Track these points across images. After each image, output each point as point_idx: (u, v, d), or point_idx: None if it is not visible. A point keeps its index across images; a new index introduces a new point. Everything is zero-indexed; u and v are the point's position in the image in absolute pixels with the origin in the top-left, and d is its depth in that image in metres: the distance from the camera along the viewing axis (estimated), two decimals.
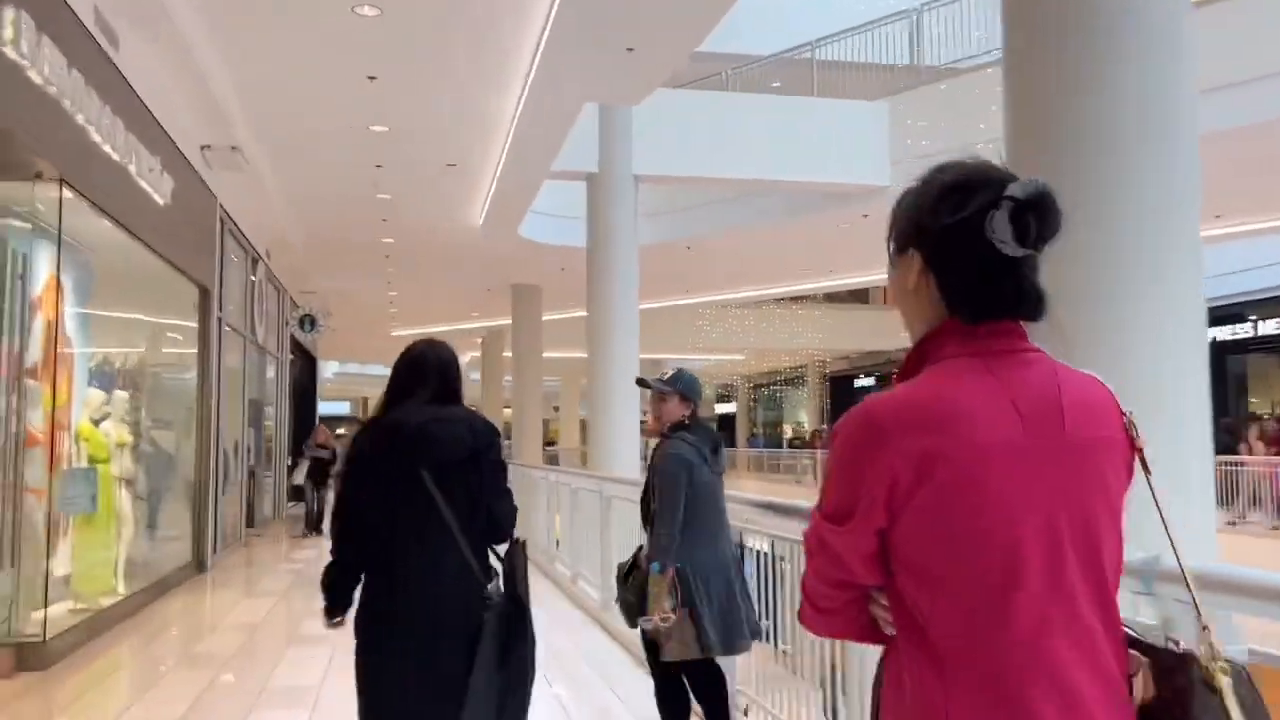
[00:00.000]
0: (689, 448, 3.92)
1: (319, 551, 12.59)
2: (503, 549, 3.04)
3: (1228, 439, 16.41)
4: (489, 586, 2.89)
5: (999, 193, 1.26)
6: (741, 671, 4.63)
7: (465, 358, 35.82)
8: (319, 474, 15.17)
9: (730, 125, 13.22)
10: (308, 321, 17.56)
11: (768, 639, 4.54)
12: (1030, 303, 1.31)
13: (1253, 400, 23.31)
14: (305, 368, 23.46)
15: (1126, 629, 1.31)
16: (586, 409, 13.55)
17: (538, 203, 14.45)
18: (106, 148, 7.12)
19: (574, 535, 9.13)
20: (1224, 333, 21.59)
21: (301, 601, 8.78)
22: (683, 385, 4.02)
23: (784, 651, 4.64)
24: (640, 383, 4.29)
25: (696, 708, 4.13)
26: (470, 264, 17.98)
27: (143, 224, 8.19)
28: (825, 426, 35.99)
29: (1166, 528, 1.34)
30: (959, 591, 1.24)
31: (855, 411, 1.29)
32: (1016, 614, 1.22)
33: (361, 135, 10.33)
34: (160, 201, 8.60)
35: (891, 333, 32.76)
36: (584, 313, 12.84)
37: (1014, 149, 4.17)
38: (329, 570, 2.94)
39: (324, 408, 37.49)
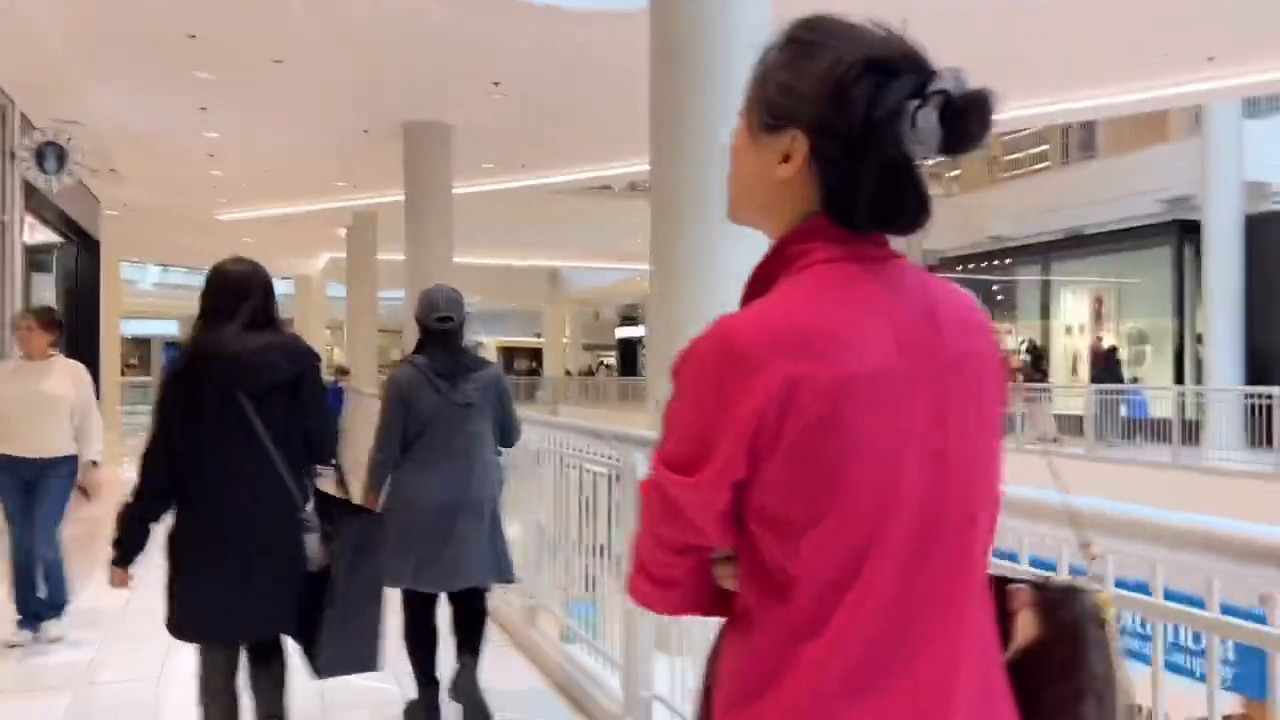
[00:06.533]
0: (414, 371, 3.80)
1: None
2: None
3: None
4: (307, 508, 2.94)
5: (924, 81, 1.03)
6: None
7: (321, 260, 27.83)
8: None
9: None
10: (50, 154, 9.95)
11: None
12: (926, 215, 1.09)
13: None
14: (85, 260, 15.69)
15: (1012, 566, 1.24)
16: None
17: None
18: None
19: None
20: None
21: None
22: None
23: None
24: None
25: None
26: (336, 66, 10.62)
27: None
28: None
29: (1050, 455, 1.27)
30: (829, 544, 1.03)
31: (710, 335, 1.05)
32: (892, 551, 1.04)
33: None
34: None
35: None
36: (502, 183, 7.10)
37: None
38: (134, 509, 2.89)
39: (136, 326, 29.04)
